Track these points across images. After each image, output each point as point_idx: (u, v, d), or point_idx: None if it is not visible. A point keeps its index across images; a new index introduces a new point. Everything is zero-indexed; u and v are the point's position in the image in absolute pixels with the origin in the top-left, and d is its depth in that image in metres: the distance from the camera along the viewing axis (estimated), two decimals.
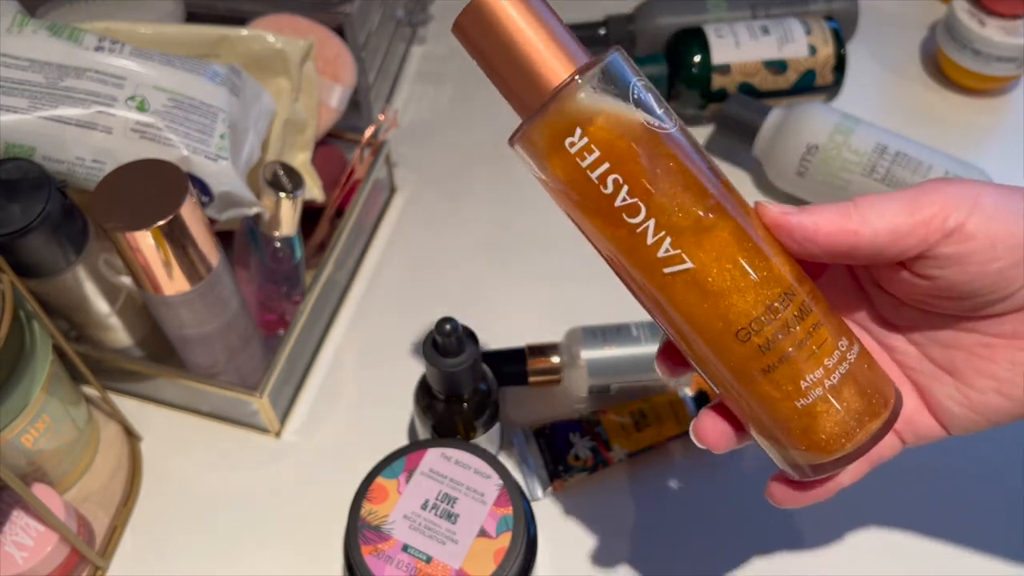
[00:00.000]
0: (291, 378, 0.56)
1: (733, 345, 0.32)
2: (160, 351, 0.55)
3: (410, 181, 0.67)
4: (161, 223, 0.42)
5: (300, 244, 0.54)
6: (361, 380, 0.57)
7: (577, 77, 0.30)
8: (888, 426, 0.33)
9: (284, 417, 0.55)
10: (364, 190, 0.59)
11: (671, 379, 0.37)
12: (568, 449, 0.51)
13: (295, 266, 0.55)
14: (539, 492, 0.51)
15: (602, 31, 0.71)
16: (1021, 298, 0.33)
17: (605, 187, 0.30)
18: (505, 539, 0.43)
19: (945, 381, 0.36)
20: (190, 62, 0.49)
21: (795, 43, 0.65)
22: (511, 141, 0.32)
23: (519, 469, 0.52)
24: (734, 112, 0.64)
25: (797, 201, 0.64)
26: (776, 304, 0.31)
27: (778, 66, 0.66)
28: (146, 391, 0.56)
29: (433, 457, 0.46)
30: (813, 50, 0.65)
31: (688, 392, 0.53)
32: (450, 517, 0.44)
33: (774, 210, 0.33)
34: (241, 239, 0.55)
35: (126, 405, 0.55)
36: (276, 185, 0.51)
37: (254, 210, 0.51)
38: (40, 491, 0.46)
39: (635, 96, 0.31)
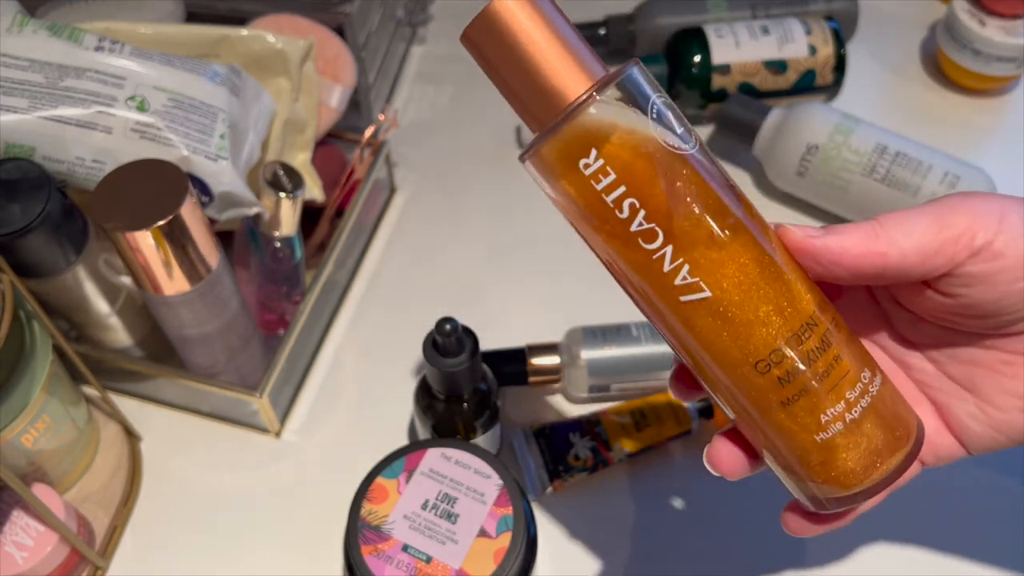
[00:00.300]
0: (291, 378, 0.56)
1: (751, 376, 0.30)
2: (160, 351, 0.55)
3: (410, 181, 0.67)
4: (161, 223, 0.42)
5: (300, 244, 0.54)
6: (361, 380, 0.57)
7: (594, 93, 0.29)
8: (911, 459, 0.32)
9: (284, 417, 0.55)
10: (364, 190, 0.59)
11: (685, 401, 0.36)
12: (568, 449, 0.51)
13: (295, 266, 0.55)
14: (539, 492, 0.51)
15: (602, 31, 0.71)
16: None
17: (621, 211, 0.29)
18: (505, 539, 0.43)
19: (965, 399, 0.35)
20: (190, 62, 0.49)
21: (795, 43, 0.65)
22: (522, 158, 0.31)
23: (519, 469, 0.52)
24: (734, 112, 0.64)
25: (797, 201, 0.64)
26: (798, 335, 0.30)
27: (778, 66, 0.66)
28: (146, 391, 0.56)
29: (433, 457, 0.46)
30: (813, 50, 0.65)
31: None
32: (450, 517, 0.44)
33: (798, 233, 0.31)
34: (241, 239, 0.55)
35: (126, 405, 0.55)
36: (276, 185, 0.51)
37: (254, 210, 0.51)
38: (40, 491, 0.46)
39: (654, 114, 0.29)
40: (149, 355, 0.55)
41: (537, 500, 0.51)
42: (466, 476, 0.45)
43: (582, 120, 0.29)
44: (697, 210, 0.29)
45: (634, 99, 0.29)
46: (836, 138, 0.60)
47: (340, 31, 0.61)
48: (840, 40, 0.66)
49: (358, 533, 0.44)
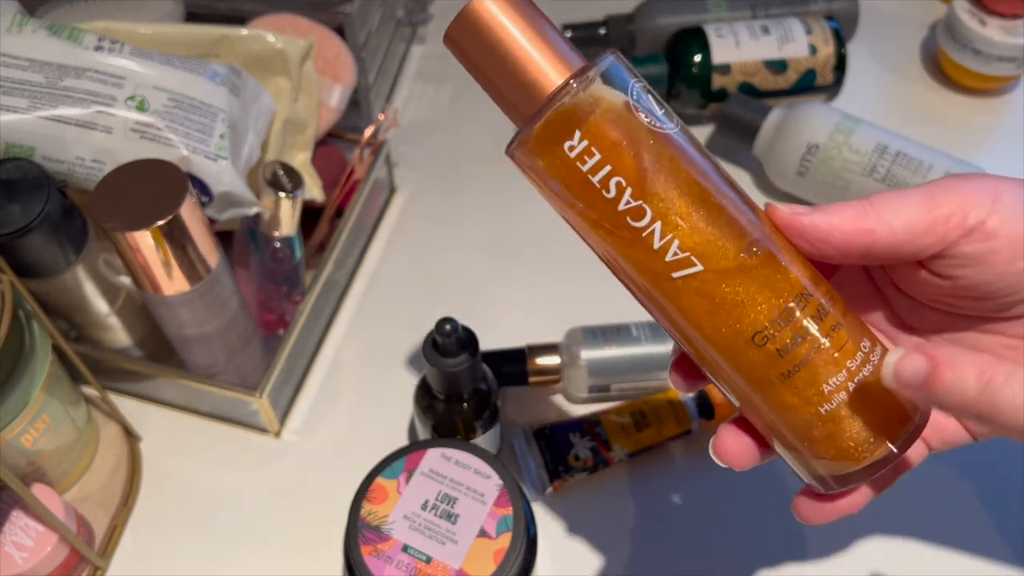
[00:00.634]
0: (291, 378, 0.55)
1: (749, 351, 0.31)
2: (160, 351, 0.55)
3: (410, 181, 0.67)
4: (161, 223, 0.42)
5: (300, 244, 0.54)
6: (361, 380, 0.57)
7: (573, 81, 0.29)
8: (919, 430, 0.32)
9: (284, 417, 0.55)
10: (364, 190, 0.59)
11: (685, 391, 0.36)
12: (568, 449, 0.51)
13: (295, 266, 0.55)
14: (539, 492, 0.51)
15: (602, 31, 0.71)
16: None
17: (608, 191, 0.30)
18: (505, 539, 0.43)
19: None
20: (190, 62, 0.49)
21: (795, 43, 0.65)
22: (508, 151, 0.31)
23: (519, 469, 0.52)
24: (734, 112, 0.64)
25: (798, 201, 0.64)
26: (792, 306, 0.30)
27: (778, 66, 0.65)
28: (146, 391, 0.56)
29: (433, 457, 0.46)
30: (813, 50, 0.65)
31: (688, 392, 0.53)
32: (450, 517, 0.44)
33: (784, 210, 0.31)
34: (241, 239, 0.55)
35: (126, 405, 0.55)
36: (276, 185, 0.51)
37: (254, 210, 0.51)
38: (40, 491, 0.46)
39: (634, 98, 0.30)
40: (149, 355, 0.55)
41: (537, 500, 0.51)
42: (466, 476, 0.45)
43: (563, 104, 0.29)
44: (682, 184, 0.30)
45: (614, 85, 0.30)
46: (836, 138, 0.60)
47: (340, 31, 0.61)
48: (840, 40, 0.66)
49: (358, 533, 0.44)
